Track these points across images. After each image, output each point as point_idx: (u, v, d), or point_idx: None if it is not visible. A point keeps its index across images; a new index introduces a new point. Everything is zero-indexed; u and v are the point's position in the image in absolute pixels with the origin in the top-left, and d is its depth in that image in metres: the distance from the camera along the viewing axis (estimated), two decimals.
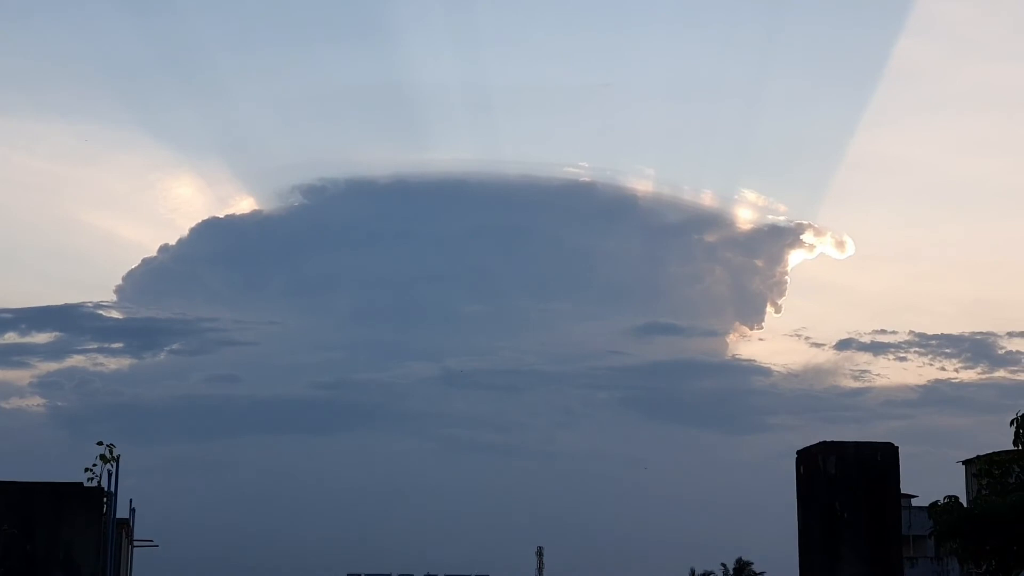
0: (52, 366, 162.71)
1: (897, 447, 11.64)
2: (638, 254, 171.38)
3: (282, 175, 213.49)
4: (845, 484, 11.47)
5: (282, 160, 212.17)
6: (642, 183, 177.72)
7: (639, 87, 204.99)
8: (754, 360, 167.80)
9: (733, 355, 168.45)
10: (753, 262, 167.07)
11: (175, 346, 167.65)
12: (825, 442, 11.59)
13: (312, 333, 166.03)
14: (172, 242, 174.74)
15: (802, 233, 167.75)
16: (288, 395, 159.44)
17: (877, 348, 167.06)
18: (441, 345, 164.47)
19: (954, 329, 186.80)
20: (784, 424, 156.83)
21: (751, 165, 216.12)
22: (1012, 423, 48.24)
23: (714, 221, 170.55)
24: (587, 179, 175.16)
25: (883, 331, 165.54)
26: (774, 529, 77.55)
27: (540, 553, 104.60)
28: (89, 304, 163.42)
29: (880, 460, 11.46)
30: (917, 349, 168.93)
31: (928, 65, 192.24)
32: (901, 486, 11.77)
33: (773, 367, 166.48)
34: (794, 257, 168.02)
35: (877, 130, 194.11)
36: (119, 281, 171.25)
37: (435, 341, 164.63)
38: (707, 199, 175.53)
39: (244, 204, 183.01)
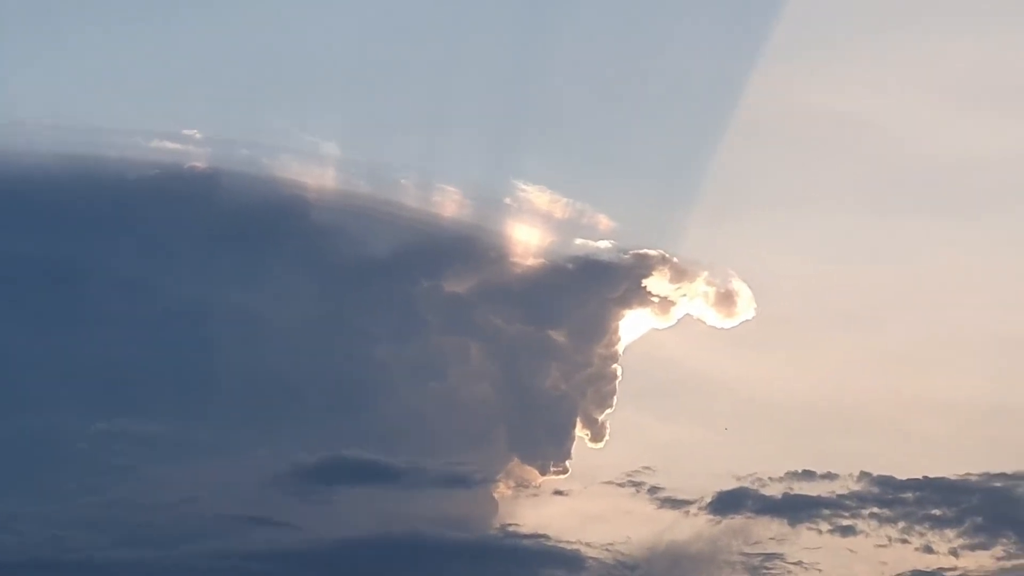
0: None
1: None
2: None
3: None
4: None
5: None
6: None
7: None
8: (547, 536, 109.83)
9: (504, 525, 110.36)
10: (544, 334, 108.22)
11: None
12: None
13: None
14: None
15: (646, 273, 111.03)
16: None
17: (798, 508, 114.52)
18: None
19: (946, 469, 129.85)
20: None
21: (532, 130, 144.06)
22: None
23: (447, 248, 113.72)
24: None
25: (809, 474, 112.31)
26: None
27: None
28: None
29: None
30: (875, 508, 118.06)
31: None
32: None
33: (586, 550, 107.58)
34: (630, 322, 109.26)
35: (785, 70, 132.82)
36: None
37: None
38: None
39: None
